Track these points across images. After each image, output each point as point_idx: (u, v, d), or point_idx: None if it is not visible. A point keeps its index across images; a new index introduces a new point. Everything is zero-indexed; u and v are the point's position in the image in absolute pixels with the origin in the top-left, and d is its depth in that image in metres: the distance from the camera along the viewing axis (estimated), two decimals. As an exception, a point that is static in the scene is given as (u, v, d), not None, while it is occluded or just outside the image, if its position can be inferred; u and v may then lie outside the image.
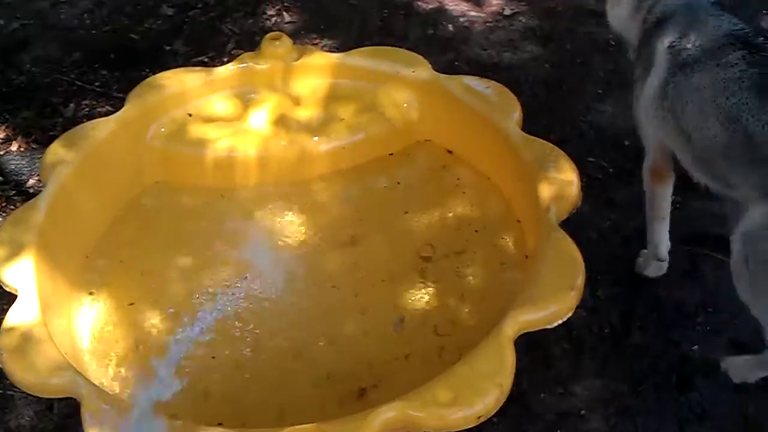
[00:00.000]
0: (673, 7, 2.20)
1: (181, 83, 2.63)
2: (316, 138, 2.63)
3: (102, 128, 2.47)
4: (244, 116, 2.65)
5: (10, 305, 1.90)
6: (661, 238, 2.39)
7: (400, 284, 2.30)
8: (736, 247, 2.00)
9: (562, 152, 2.29)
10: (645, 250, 2.45)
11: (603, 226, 2.53)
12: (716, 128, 1.97)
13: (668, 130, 2.15)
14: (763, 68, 1.92)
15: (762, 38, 2.04)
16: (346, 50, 2.95)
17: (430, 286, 2.29)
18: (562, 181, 2.19)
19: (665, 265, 2.43)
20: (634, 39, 2.32)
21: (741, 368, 2.24)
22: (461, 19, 3.56)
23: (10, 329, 1.87)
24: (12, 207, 2.71)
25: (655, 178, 2.33)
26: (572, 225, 2.07)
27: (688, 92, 2.05)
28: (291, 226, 2.50)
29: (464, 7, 3.64)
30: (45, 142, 2.88)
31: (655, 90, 2.14)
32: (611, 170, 2.74)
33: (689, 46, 2.07)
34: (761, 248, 1.95)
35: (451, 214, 2.49)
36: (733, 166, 1.99)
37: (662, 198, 2.35)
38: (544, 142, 2.33)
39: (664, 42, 2.14)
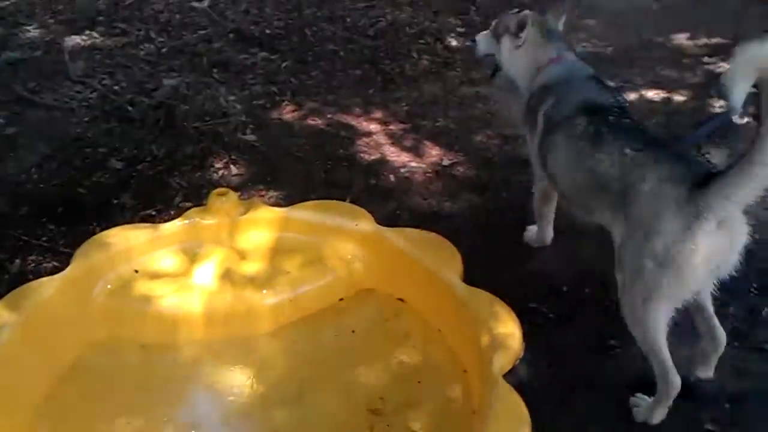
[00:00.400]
0: (555, 78, 2.78)
1: (127, 240, 2.67)
2: (264, 291, 2.67)
3: (47, 287, 2.49)
4: (190, 272, 2.68)
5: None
6: (547, 232, 3.13)
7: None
8: (617, 277, 2.40)
9: (503, 303, 2.36)
10: (533, 226, 3.15)
11: (546, 373, 2.56)
12: (572, 171, 2.61)
13: (546, 173, 2.78)
14: (597, 125, 2.50)
15: (613, 104, 2.62)
16: (292, 202, 3.04)
17: (380, 442, 2.27)
18: (504, 334, 2.25)
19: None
20: (523, 90, 2.92)
21: (644, 409, 2.43)
22: (402, 170, 3.69)
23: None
24: (-50, 368, 2.63)
25: (543, 198, 3.03)
26: (518, 372, 2.11)
27: (554, 148, 2.67)
28: (238, 383, 2.48)
29: (405, 157, 3.79)
30: (-12, 300, 2.87)
31: (536, 144, 2.77)
32: (551, 315, 2.80)
33: (556, 113, 2.68)
34: (626, 261, 2.35)
35: (400, 365, 2.51)
36: (589, 197, 2.55)
37: (549, 211, 3.08)
38: (486, 293, 2.40)
39: (542, 109, 2.74)
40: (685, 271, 2.24)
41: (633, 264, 2.32)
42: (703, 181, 2.18)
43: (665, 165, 2.31)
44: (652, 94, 4.29)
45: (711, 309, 2.50)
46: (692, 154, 2.32)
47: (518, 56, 2.92)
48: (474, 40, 3.14)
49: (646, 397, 2.45)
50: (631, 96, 4.21)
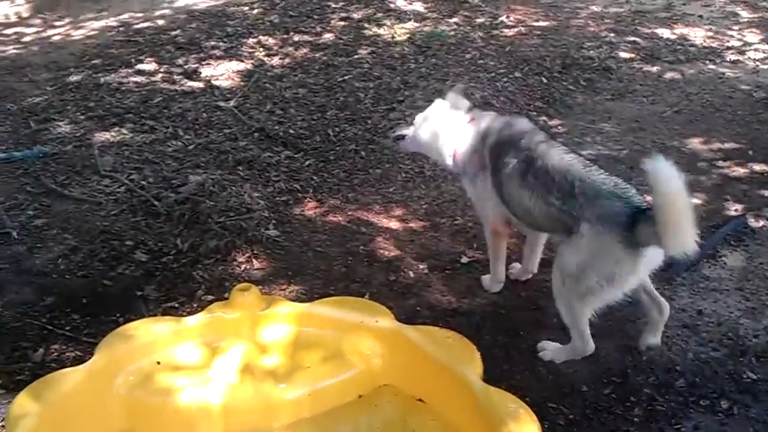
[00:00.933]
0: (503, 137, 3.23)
1: (150, 333, 2.72)
2: (282, 385, 2.68)
3: (69, 379, 2.52)
4: (211, 365, 2.71)
5: None
6: (500, 271, 3.49)
7: None
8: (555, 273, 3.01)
9: (522, 404, 2.37)
10: (487, 276, 3.51)
11: (566, 475, 2.55)
12: (517, 198, 3.12)
13: (500, 207, 3.24)
14: (520, 162, 3.06)
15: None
16: (313, 297, 3.10)
17: None
18: (523, 432, 2.26)
19: (501, 285, 3.51)
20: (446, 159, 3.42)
21: (553, 351, 3.08)
22: (421, 267, 3.74)
23: None
24: (-28, 456, 2.65)
25: (495, 236, 3.41)
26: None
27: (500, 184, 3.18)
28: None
29: (424, 254, 3.85)
30: (11, 388, 2.90)
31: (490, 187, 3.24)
32: (571, 416, 2.79)
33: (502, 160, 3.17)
34: (570, 267, 2.89)
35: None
36: (535, 216, 3.09)
37: (501, 248, 3.44)
38: (505, 393, 2.41)
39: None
40: (626, 286, 2.88)
41: (578, 273, 2.88)
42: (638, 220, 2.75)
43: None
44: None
45: (652, 286, 3.07)
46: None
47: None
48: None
49: (553, 342, 3.11)
50: (647, 199, 4.27)
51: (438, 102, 3.52)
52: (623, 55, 6.56)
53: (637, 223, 2.74)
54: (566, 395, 2.88)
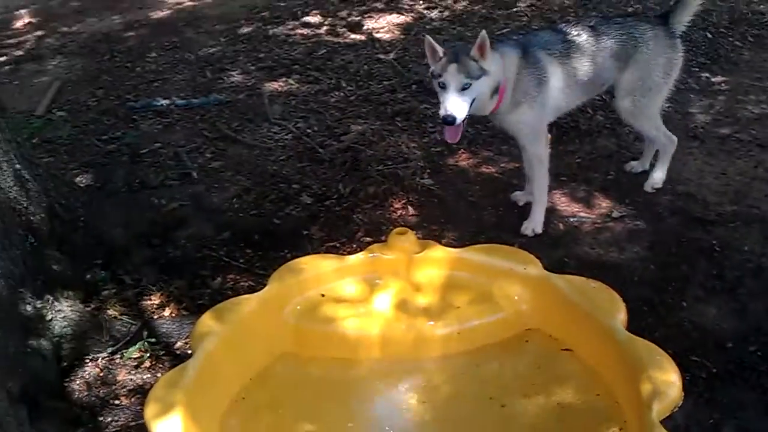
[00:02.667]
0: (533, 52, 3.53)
1: (317, 268, 2.97)
2: (432, 323, 2.89)
3: (246, 305, 2.80)
4: (370, 299, 2.94)
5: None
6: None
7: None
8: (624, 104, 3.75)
9: (664, 353, 2.43)
10: (533, 220, 3.72)
11: (705, 425, 2.60)
12: (583, 69, 3.61)
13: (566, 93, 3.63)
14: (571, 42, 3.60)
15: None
16: (464, 243, 3.25)
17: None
18: (664, 381, 2.31)
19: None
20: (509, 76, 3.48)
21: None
22: (572, 219, 3.82)
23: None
24: (161, 365, 3.02)
25: (546, 145, 3.71)
26: (675, 422, 2.17)
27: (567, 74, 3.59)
28: (405, 402, 2.72)
29: (575, 208, 3.92)
30: (193, 311, 3.26)
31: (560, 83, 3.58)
32: (714, 370, 2.83)
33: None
34: (637, 87, 3.68)
35: (558, 405, 2.62)
36: (599, 73, 3.65)
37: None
38: (648, 342, 2.48)
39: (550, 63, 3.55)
40: (675, 74, 3.79)
41: (646, 85, 3.69)
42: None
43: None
44: None
45: None
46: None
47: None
48: (448, 115, 3.28)
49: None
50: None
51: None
52: (796, 9, 6.21)
53: (668, 17, 3.71)
54: (710, 350, 2.91)
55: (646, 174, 4.09)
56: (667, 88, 3.80)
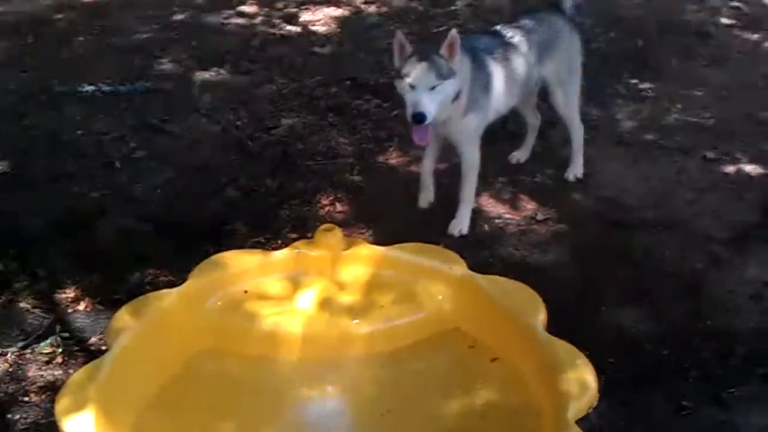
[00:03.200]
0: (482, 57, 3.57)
1: (240, 263, 2.93)
2: (355, 321, 2.87)
3: (165, 299, 2.74)
4: (294, 297, 2.90)
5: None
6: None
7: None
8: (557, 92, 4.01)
9: (581, 354, 2.46)
10: (460, 220, 3.73)
11: (618, 426, 2.65)
12: (518, 72, 3.73)
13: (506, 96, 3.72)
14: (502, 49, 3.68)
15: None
16: (390, 242, 3.23)
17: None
18: (580, 381, 2.35)
19: None
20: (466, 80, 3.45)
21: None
22: (497, 221, 3.84)
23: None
24: (73, 361, 2.92)
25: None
26: (590, 422, 2.21)
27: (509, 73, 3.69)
28: (326, 400, 2.71)
29: (501, 209, 3.95)
30: (110, 305, 3.16)
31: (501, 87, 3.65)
32: (629, 372, 2.89)
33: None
34: (563, 76, 3.98)
35: (478, 402, 2.64)
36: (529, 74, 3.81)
37: None
38: (566, 343, 2.51)
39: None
40: None
41: (570, 72, 3.95)
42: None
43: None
44: (751, 169, 4.32)
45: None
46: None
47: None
48: (419, 112, 3.27)
49: None
50: (729, 168, 4.28)
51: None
52: (724, 20, 6.39)
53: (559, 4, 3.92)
54: (627, 352, 2.98)
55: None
56: (580, 70, 4.05)
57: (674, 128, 4.82)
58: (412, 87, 3.27)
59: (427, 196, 3.89)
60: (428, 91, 3.25)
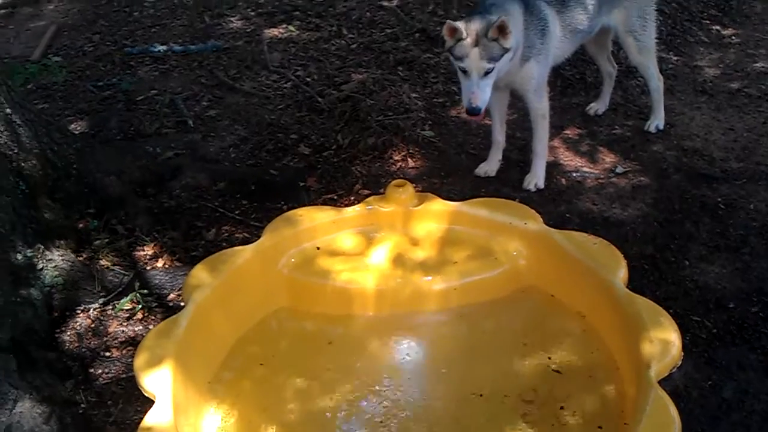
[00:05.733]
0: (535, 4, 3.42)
1: (312, 220, 2.92)
2: (429, 277, 2.84)
3: (240, 256, 2.76)
4: (366, 253, 2.89)
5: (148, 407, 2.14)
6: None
7: (502, 424, 2.39)
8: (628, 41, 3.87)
9: (664, 312, 2.39)
10: (535, 174, 3.65)
11: (704, 386, 2.57)
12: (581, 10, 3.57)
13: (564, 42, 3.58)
14: None
15: None
16: (464, 197, 3.18)
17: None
18: (663, 340, 2.28)
19: None
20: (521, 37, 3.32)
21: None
22: (574, 174, 3.74)
23: (147, 430, 2.10)
24: (153, 317, 2.97)
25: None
26: (674, 382, 2.13)
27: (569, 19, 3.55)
28: (402, 356, 2.69)
29: (578, 162, 3.85)
30: (187, 262, 3.20)
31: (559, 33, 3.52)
32: (715, 330, 2.78)
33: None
34: (636, 23, 3.81)
35: (555, 360, 2.59)
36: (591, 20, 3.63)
37: None
38: (648, 300, 2.44)
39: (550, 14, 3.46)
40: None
41: (640, 20, 3.78)
42: None
43: None
44: None
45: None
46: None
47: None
48: (476, 107, 3.19)
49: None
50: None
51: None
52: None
53: None
54: (711, 310, 2.87)
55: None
56: (655, 17, 3.92)
57: (760, 75, 4.61)
58: (465, 72, 3.18)
59: (491, 163, 3.77)
60: (481, 78, 3.17)
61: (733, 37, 5.04)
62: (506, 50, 3.17)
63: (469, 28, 3.14)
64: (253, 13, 5.80)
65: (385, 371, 2.64)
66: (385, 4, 5.72)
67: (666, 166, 3.76)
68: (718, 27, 5.17)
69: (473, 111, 3.20)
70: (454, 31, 3.13)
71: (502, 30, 3.11)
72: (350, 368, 2.63)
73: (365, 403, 2.50)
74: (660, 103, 4.05)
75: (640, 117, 4.20)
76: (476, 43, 3.12)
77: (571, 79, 4.61)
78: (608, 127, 4.15)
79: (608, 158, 3.87)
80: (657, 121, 4.06)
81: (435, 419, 2.45)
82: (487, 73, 3.16)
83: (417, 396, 2.54)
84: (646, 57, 3.91)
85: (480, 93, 3.17)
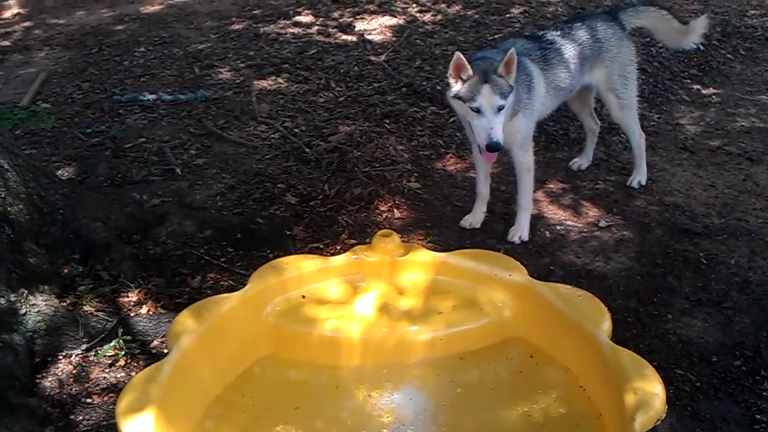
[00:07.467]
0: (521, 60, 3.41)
1: (298, 268, 2.92)
2: (415, 327, 2.84)
3: (225, 303, 2.74)
4: (352, 302, 2.89)
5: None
6: None
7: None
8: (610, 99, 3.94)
9: (648, 364, 2.39)
10: (519, 227, 3.68)
11: (688, 440, 2.57)
12: (562, 73, 3.67)
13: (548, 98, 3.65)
14: (544, 51, 3.64)
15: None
16: (449, 248, 3.21)
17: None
18: (647, 392, 2.27)
19: None
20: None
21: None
22: (558, 227, 3.79)
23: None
24: (136, 364, 2.95)
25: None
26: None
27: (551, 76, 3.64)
28: (387, 408, 2.66)
29: (562, 215, 3.89)
30: (171, 309, 3.20)
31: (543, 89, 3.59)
32: (698, 384, 2.79)
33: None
34: (617, 81, 3.89)
35: (540, 413, 2.58)
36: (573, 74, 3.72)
37: None
38: (632, 353, 2.44)
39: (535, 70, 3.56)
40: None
41: (622, 77, 3.87)
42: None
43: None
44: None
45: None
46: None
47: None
48: (496, 142, 3.23)
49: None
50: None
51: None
52: (789, 24, 6.22)
53: (617, 15, 3.92)
54: (695, 363, 2.88)
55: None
56: (636, 75, 4.00)
57: (740, 134, 4.70)
58: (478, 111, 3.22)
59: (476, 215, 3.80)
60: (495, 114, 3.22)
61: (714, 96, 5.16)
62: (511, 88, 3.23)
63: (474, 68, 3.21)
64: (242, 65, 5.88)
65: (370, 423, 2.61)
66: (373, 59, 5.82)
67: (648, 220, 3.81)
68: (698, 86, 5.29)
69: (494, 146, 3.22)
70: (462, 68, 3.20)
71: (509, 66, 3.19)
72: (335, 419, 2.62)
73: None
74: (642, 159, 4.12)
75: (622, 172, 4.27)
76: (486, 80, 3.18)
77: (555, 135, 4.68)
78: (591, 181, 4.21)
79: (591, 212, 3.92)
80: (639, 176, 4.12)
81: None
82: (500, 109, 3.21)
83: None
84: (628, 114, 3.98)
85: (497, 128, 3.21)
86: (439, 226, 3.82)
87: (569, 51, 3.68)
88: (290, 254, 3.29)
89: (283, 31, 6.48)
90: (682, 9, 6.43)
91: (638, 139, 4.07)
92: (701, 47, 5.73)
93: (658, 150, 4.52)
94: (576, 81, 3.77)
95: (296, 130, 4.79)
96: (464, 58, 3.21)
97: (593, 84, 3.89)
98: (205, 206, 4.03)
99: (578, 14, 4.05)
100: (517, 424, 2.57)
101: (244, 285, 2.85)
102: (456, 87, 3.27)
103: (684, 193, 4.06)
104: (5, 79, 5.95)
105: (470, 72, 3.21)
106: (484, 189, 3.79)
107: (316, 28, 6.52)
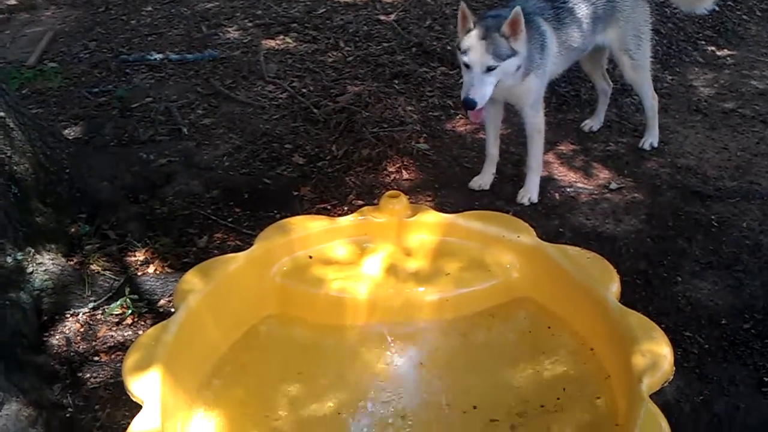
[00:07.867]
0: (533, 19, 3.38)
1: (305, 229, 2.90)
2: (422, 288, 2.82)
3: (232, 263, 2.73)
4: (359, 262, 2.87)
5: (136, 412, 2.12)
6: None
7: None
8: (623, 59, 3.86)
9: (656, 326, 2.37)
10: (529, 188, 3.66)
11: (695, 401, 2.56)
12: (576, 30, 3.56)
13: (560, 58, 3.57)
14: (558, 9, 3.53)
15: None
16: (457, 209, 3.18)
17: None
18: (655, 354, 2.26)
19: None
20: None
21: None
22: (568, 189, 3.75)
23: (133, 436, 2.07)
24: (142, 323, 2.96)
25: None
26: (665, 397, 2.13)
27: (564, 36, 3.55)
28: (394, 367, 2.66)
29: (572, 177, 3.85)
30: (178, 268, 3.19)
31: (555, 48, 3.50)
32: (707, 346, 2.78)
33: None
34: (630, 41, 3.80)
35: (547, 373, 2.57)
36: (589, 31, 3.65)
37: None
38: (640, 315, 2.42)
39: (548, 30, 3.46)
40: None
41: (636, 37, 3.77)
42: None
43: None
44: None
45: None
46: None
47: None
48: (471, 99, 3.15)
49: None
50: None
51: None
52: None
53: None
54: (703, 326, 2.87)
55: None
56: (650, 36, 3.92)
57: (754, 96, 4.64)
58: (468, 66, 3.16)
59: (485, 176, 3.77)
60: (484, 74, 3.14)
61: (728, 58, 5.07)
62: (514, 53, 3.17)
63: (478, 22, 3.15)
64: (250, 24, 5.81)
65: (376, 381, 2.61)
66: (383, 18, 5.73)
67: (660, 183, 3.77)
68: (713, 48, 5.20)
69: (468, 103, 3.15)
70: (465, 19, 3.15)
71: (515, 26, 3.11)
72: (341, 378, 2.61)
73: (356, 413, 2.48)
74: (654, 121, 4.07)
75: (634, 134, 4.22)
76: (484, 37, 3.12)
77: (567, 96, 4.62)
78: (603, 143, 4.16)
79: (602, 174, 3.88)
80: (651, 138, 4.07)
81: (427, 431, 2.43)
82: (489, 69, 3.14)
83: (409, 407, 2.51)
84: (641, 75, 3.92)
85: (479, 87, 3.14)
86: (447, 187, 3.78)
87: (582, 10, 3.60)
88: (297, 215, 3.26)
89: (291, -10, 6.39)
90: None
91: (651, 101, 4.02)
92: (716, 8, 5.66)
93: (671, 112, 4.46)
94: (589, 41, 3.69)
95: (304, 90, 4.74)
96: (467, 10, 3.16)
97: (606, 44, 3.82)
98: (212, 166, 4.00)
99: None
100: (524, 384, 2.56)
101: (251, 245, 2.83)
102: (458, 37, 3.23)
103: (696, 156, 4.02)
104: (12, 38, 5.90)
105: (471, 25, 3.15)
106: (493, 150, 3.75)
107: (326, -14, 6.43)
